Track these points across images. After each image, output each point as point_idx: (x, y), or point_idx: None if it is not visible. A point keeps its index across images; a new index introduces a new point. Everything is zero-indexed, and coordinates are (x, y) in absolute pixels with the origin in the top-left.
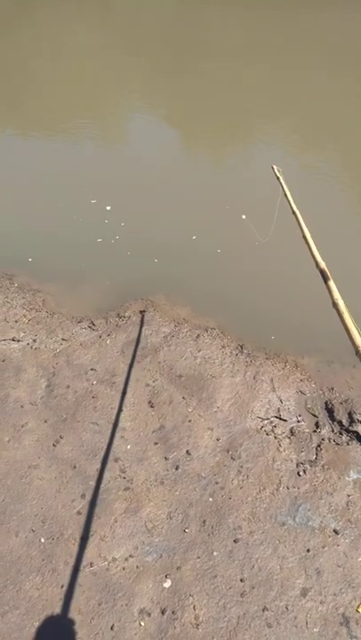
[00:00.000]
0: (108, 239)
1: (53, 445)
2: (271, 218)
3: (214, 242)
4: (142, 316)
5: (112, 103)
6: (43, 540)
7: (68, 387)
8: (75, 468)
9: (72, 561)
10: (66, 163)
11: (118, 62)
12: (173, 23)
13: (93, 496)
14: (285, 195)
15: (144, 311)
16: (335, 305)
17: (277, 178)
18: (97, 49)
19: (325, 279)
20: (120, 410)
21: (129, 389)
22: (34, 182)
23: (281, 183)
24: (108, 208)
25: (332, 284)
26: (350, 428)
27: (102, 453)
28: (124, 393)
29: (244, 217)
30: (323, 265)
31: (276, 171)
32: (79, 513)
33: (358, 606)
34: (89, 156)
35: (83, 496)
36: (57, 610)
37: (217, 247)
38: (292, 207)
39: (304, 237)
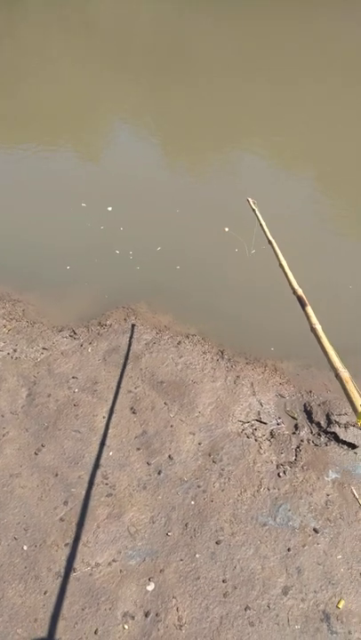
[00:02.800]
0: (90, 248)
1: (35, 454)
2: (251, 230)
3: (196, 251)
4: (132, 327)
5: (94, 115)
6: (25, 548)
7: (49, 395)
8: (57, 475)
9: (55, 567)
10: (46, 173)
11: (100, 75)
12: (156, 34)
13: (76, 503)
14: (261, 225)
15: (134, 325)
16: (313, 330)
17: (253, 210)
18: (78, 61)
19: (303, 305)
20: (109, 418)
21: (111, 397)
22: (12, 192)
23: (257, 215)
24: (90, 216)
25: (309, 309)
26: (328, 429)
27: (84, 461)
28: (115, 400)
29: (227, 229)
30: (300, 292)
31: (251, 203)
32: (62, 520)
33: (338, 602)
34: (70, 168)
35: (65, 503)
36: (40, 616)
37: (198, 256)
38: (268, 237)
39: (281, 266)
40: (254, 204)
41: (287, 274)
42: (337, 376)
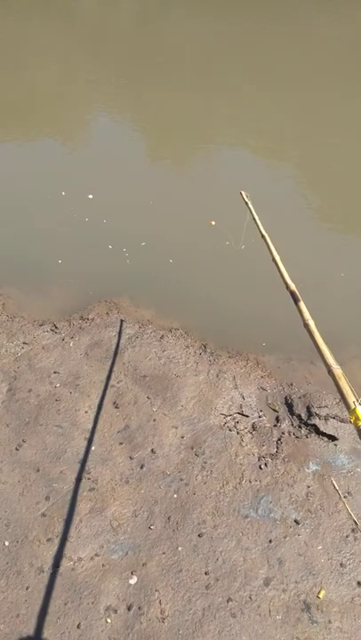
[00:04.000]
0: (72, 241)
1: (16, 449)
2: (237, 223)
3: (179, 244)
4: (121, 323)
5: (76, 111)
6: (7, 544)
7: (30, 390)
8: (38, 471)
9: (37, 563)
10: (27, 166)
11: (83, 70)
12: (139, 32)
13: (58, 498)
14: (254, 219)
15: (123, 320)
16: (306, 326)
17: (246, 203)
18: (61, 53)
19: (296, 300)
20: (92, 412)
21: (94, 391)
22: None
23: (250, 208)
24: (72, 208)
25: (302, 305)
26: (309, 421)
27: (66, 456)
28: (97, 395)
29: (213, 223)
30: (293, 287)
31: (244, 196)
32: (44, 515)
33: (319, 592)
34: (51, 160)
35: (47, 498)
36: (23, 611)
37: (182, 249)
38: (261, 231)
39: (274, 260)
40: (247, 197)
41: (280, 269)
42: (330, 372)
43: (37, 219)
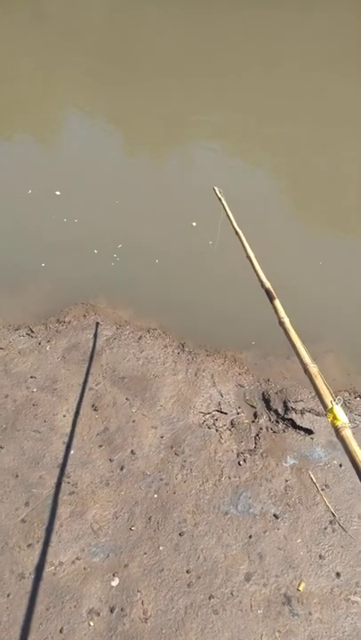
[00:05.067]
0: (47, 242)
1: None
2: (212, 221)
3: (156, 243)
4: (97, 326)
5: (47, 108)
6: None
7: (6, 396)
8: (17, 476)
9: (18, 569)
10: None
11: (53, 68)
12: (109, 27)
13: (38, 504)
14: (228, 215)
15: (99, 323)
16: (282, 324)
17: (219, 199)
18: (31, 52)
19: (271, 298)
20: (70, 416)
21: (72, 395)
22: None
23: (223, 204)
24: (44, 208)
25: (277, 303)
26: (286, 415)
27: (45, 461)
28: (75, 398)
29: (194, 224)
30: (268, 285)
31: (217, 192)
32: (23, 521)
33: (299, 585)
34: (25, 158)
35: (26, 504)
36: (4, 619)
37: (159, 249)
38: (234, 228)
39: (248, 257)
40: (220, 192)
41: (255, 266)
42: (306, 371)
43: (7, 218)
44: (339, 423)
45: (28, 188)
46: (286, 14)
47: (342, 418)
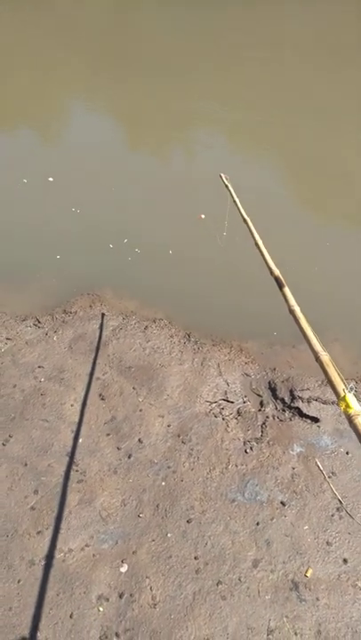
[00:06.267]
0: (54, 233)
1: (3, 444)
2: (221, 215)
3: (161, 234)
4: (102, 317)
5: (50, 104)
6: None
7: (14, 386)
8: (26, 465)
9: (28, 556)
10: (6, 157)
11: (55, 63)
12: (111, 22)
13: (47, 491)
14: (235, 202)
15: (105, 313)
16: (292, 312)
17: (226, 186)
18: (33, 47)
19: (280, 286)
20: (78, 405)
21: (79, 384)
22: None
23: (230, 191)
24: (53, 200)
25: (287, 290)
26: (292, 404)
27: (53, 449)
28: (83, 388)
29: (203, 216)
30: (277, 272)
31: (224, 179)
32: (33, 508)
33: (306, 571)
34: (30, 151)
35: (35, 492)
36: (15, 604)
37: (164, 240)
38: (242, 215)
39: (256, 245)
40: (227, 179)
41: (264, 254)
42: (317, 359)
43: (15, 211)
44: (352, 411)
45: (48, 175)
46: (287, 8)
47: (355, 406)
